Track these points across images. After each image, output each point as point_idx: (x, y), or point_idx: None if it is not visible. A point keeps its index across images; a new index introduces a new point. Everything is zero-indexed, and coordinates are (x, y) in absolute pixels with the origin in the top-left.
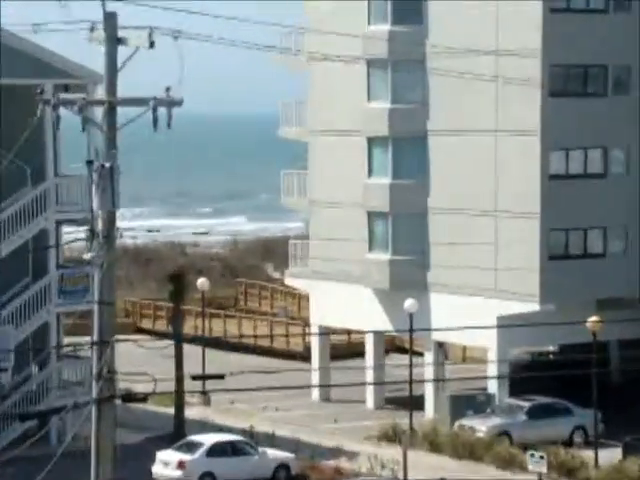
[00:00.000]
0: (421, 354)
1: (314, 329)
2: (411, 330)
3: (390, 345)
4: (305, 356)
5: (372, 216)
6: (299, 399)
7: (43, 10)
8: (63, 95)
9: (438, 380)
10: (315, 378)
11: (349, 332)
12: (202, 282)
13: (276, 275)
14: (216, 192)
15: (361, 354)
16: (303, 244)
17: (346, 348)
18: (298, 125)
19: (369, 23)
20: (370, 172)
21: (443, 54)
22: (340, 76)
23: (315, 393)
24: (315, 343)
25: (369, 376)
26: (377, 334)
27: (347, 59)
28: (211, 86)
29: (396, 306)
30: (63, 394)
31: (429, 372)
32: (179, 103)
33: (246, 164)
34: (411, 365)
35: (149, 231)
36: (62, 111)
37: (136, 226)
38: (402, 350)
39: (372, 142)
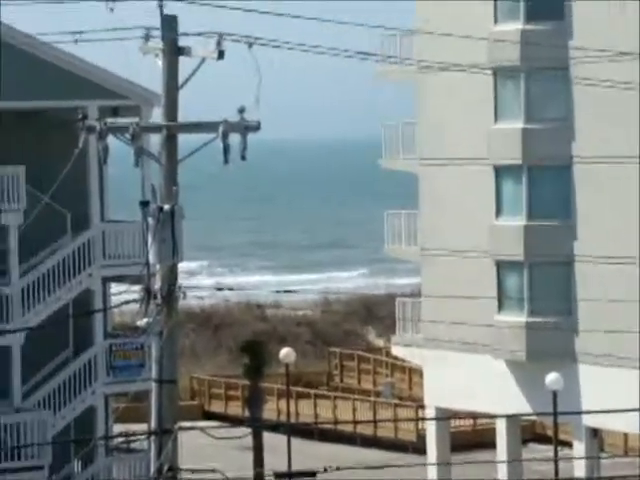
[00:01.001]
0: (569, 444)
1: (429, 412)
2: (555, 413)
3: (529, 433)
4: (418, 447)
5: (502, 267)
6: None
7: (82, 16)
8: (111, 120)
9: (592, 479)
10: (432, 474)
11: (475, 416)
12: (286, 353)
13: (380, 343)
14: (302, 239)
15: (491, 444)
16: (414, 304)
17: (471, 437)
18: (405, 153)
19: (496, 22)
20: (499, 211)
21: (592, 59)
22: (459, 89)
23: None
24: (431, 430)
25: (502, 472)
26: (511, 419)
27: (468, 68)
28: (290, 106)
29: (535, 382)
30: None
31: (580, 467)
32: (255, 128)
33: (338, 202)
34: (556, 458)
35: (219, 289)
36: (110, 140)
37: (203, 283)
38: (544, 439)
39: (501, 173)
